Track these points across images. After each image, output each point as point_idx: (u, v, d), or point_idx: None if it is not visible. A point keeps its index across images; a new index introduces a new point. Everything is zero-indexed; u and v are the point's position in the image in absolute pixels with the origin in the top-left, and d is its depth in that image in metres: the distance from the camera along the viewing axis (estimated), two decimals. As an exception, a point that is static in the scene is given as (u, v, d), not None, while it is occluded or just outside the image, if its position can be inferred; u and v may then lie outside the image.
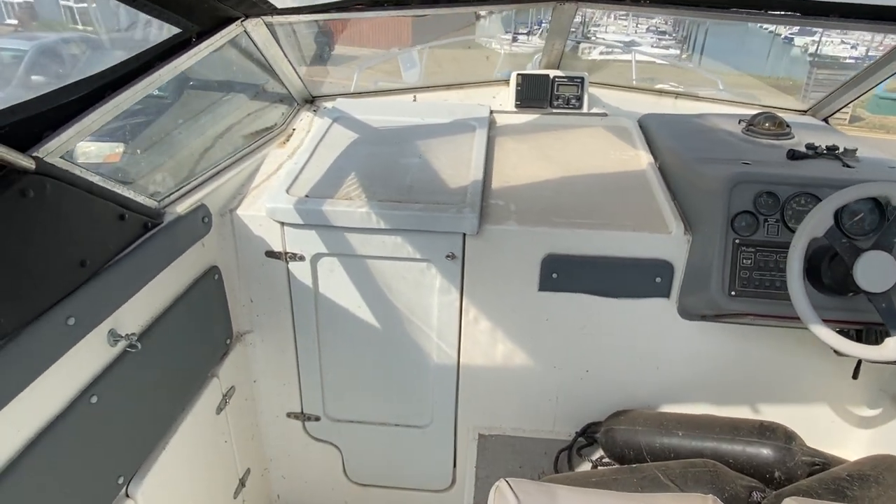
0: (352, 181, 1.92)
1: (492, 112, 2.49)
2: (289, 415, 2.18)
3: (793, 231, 1.60)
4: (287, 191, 1.85)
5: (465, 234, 1.80)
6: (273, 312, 1.99)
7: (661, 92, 2.79)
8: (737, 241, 1.64)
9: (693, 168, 1.85)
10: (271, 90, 2.38)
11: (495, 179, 2.02)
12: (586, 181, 2.02)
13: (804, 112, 2.56)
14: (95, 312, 1.27)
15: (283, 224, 1.84)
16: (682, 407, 1.99)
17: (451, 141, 2.22)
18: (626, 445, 1.78)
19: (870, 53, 22.19)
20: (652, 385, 1.99)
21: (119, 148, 1.97)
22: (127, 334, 1.39)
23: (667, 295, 1.83)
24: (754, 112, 2.16)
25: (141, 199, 1.47)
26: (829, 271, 1.53)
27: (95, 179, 1.29)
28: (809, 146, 1.88)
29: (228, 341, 1.94)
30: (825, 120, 2.51)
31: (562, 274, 1.82)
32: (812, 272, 1.56)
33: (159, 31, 1.57)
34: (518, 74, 2.52)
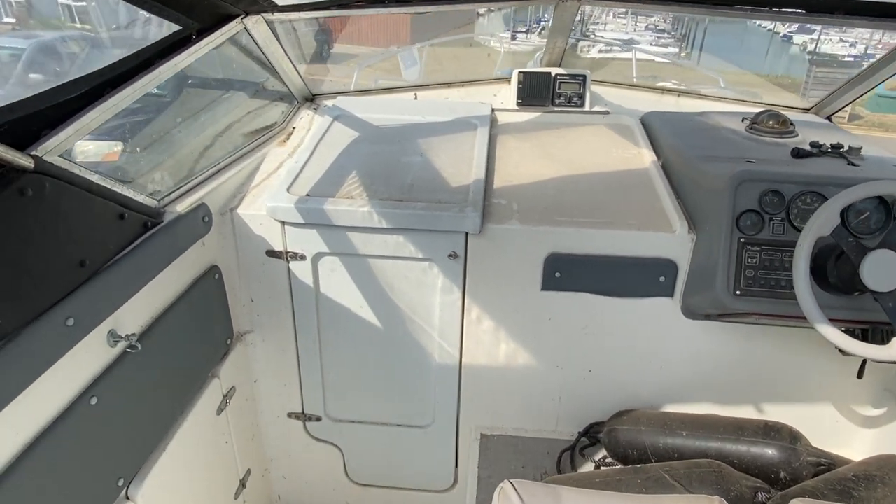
0: (353, 180, 1.91)
1: (493, 110, 2.47)
2: (290, 415, 2.17)
3: (798, 230, 1.60)
4: (288, 190, 1.84)
5: (467, 234, 1.78)
6: (274, 312, 1.97)
7: (663, 90, 2.78)
8: (742, 239, 1.63)
9: (697, 166, 1.83)
10: (271, 88, 2.37)
11: (497, 178, 2.00)
12: (589, 180, 2.01)
13: (807, 110, 2.55)
14: (95, 313, 1.26)
15: (283, 223, 1.83)
16: (686, 407, 1.98)
17: (453, 139, 2.21)
18: (629, 445, 1.77)
19: (868, 51, 22.20)
20: (655, 385, 1.98)
21: (118, 146, 1.95)
22: (127, 335, 1.38)
23: (671, 294, 1.82)
24: (757, 110, 2.15)
25: (141, 198, 1.46)
26: (836, 270, 1.52)
27: (95, 178, 1.28)
28: (814, 144, 1.87)
29: (229, 341, 1.93)
30: (828, 118, 2.51)
31: (565, 273, 1.81)
32: (818, 271, 1.55)
33: (159, 28, 1.56)
34: (520, 72, 2.50)
